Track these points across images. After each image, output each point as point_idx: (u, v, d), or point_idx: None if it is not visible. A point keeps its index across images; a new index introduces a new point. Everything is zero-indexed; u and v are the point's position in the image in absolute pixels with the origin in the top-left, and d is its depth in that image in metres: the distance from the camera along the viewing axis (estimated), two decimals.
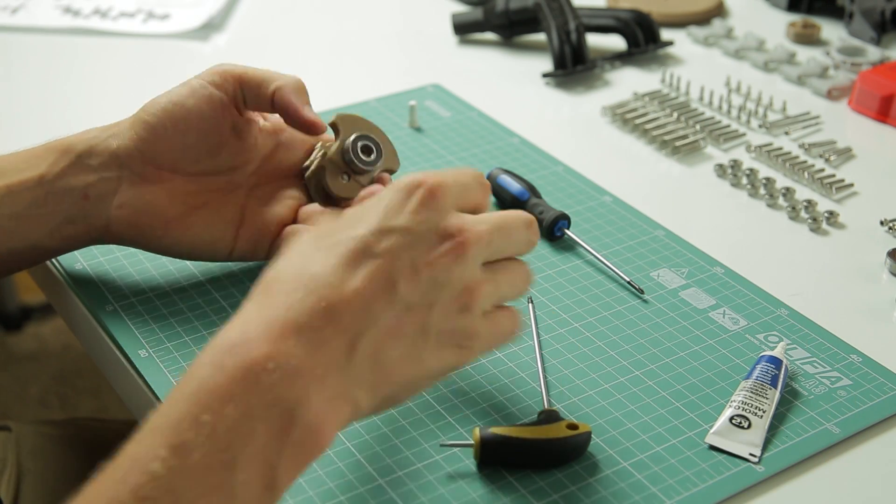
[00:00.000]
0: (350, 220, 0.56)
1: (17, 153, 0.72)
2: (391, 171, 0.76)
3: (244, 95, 0.73)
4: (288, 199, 0.75)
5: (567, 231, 0.81)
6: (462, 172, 0.58)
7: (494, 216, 0.57)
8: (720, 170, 0.93)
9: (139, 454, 0.48)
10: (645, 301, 0.76)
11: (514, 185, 0.84)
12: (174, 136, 0.71)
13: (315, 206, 0.74)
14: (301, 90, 0.73)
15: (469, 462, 0.62)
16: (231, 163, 0.74)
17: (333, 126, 0.75)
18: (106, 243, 0.74)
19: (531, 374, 0.69)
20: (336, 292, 0.52)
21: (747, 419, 0.64)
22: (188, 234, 0.73)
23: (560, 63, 1.08)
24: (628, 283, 0.77)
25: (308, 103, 0.73)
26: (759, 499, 0.61)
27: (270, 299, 0.52)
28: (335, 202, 0.74)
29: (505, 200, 0.85)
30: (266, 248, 0.74)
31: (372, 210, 0.55)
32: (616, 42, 1.15)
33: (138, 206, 0.71)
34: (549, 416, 0.63)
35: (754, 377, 0.67)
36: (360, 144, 0.74)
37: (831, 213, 0.86)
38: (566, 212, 0.82)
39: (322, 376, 0.51)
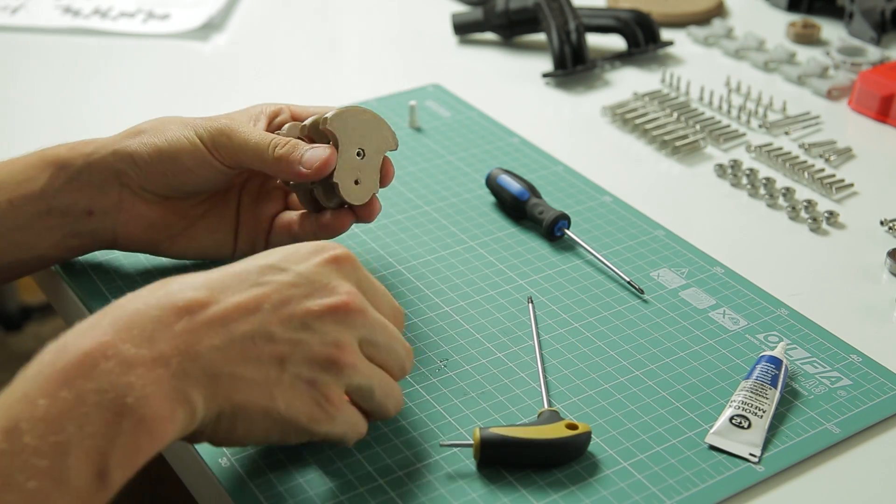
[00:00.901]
0: (261, 254, 0.58)
1: (10, 162, 0.72)
2: (390, 150, 0.74)
3: (239, 162, 0.72)
4: (274, 191, 0.77)
5: (567, 231, 0.81)
6: (385, 292, 0.61)
7: (387, 320, 0.59)
8: (720, 170, 0.93)
9: None
10: (645, 301, 0.76)
11: (514, 185, 0.84)
12: (166, 179, 0.72)
13: (292, 215, 0.75)
14: (297, 157, 0.70)
15: (469, 462, 0.62)
16: (222, 188, 0.75)
17: (330, 134, 0.71)
18: (115, 250, 0.75)
19: (531, 374, 0.69)
20: (197, 298, 0.53)
21: (747, 419, 0.64)
22: (193, 243, 0.75)
23: (560, 63, 1.08)
24: (628, 283, 0.77)
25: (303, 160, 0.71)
26: (759, 499, 0.61)
27: (136, 293, 0.54)
28: (317, 204, 0.73)
29: (505, 200, 0.85)
30: (263, 242, 0.76)
31: (281, 251, 0.58)
32: (616, 42, 1.15)
33: (143, 222, 0.73)
34: (549, 416, 0.63)
35: (754, 377, 0.67)
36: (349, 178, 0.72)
37: (831, 213, 0.86)
38: (566, 212, 0.82)
39: (160, 373, 0.51)
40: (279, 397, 0.55)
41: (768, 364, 0.67)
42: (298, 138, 0.72)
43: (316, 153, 0.70)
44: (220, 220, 0.75)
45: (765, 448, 0.63)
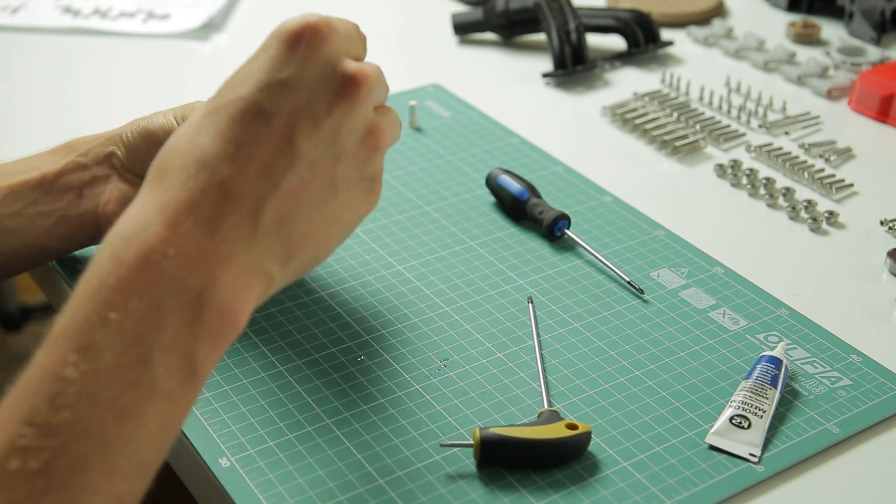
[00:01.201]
0: (236, 78, 0.52)
1: (31, 157, 0.74)
2: None
3: None
4: None
5: (567, 231, 0.81)
6: (342, 19, 0.55)
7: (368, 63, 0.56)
8: (720, 170, 0.92)
9: (49, 363, 0.45)
10: (645, 301, 0.76)
11: (514, 185, 0.84)
12: (145, 158, 0.71)
13: None
14: None
15: (469, 462, 0.62)
16: None
17: None
18: (98, 243, 0.74)
19: (531, 374, 0.69)
20: (228, 163, 0.49)
21: (747, 419, 0.64)
22: None
23: (560, 63, 1.08)
24: (628, 283, 0.77)
25: None
26: (759, 499, 0.61)
27: (164, 182, 0.50)
28: None
29: (505, 200, 0.85)
30: None
31: (257, 63, 0.52)
32: (616, 42, 1.15)
33: (123, 203, 0.72)
34: (549, 416, 0.63)
35: (754, 377, 0.67)
36: None
37: (831, 213, 0.86)
38: (566, 212, 0.82)
39: (227, 255, 0.48)
40: (341, 212, 0.54)
41: (768, 364, 0.67)
42: None
43: None
44: None
45: (765, 448, 0.63)
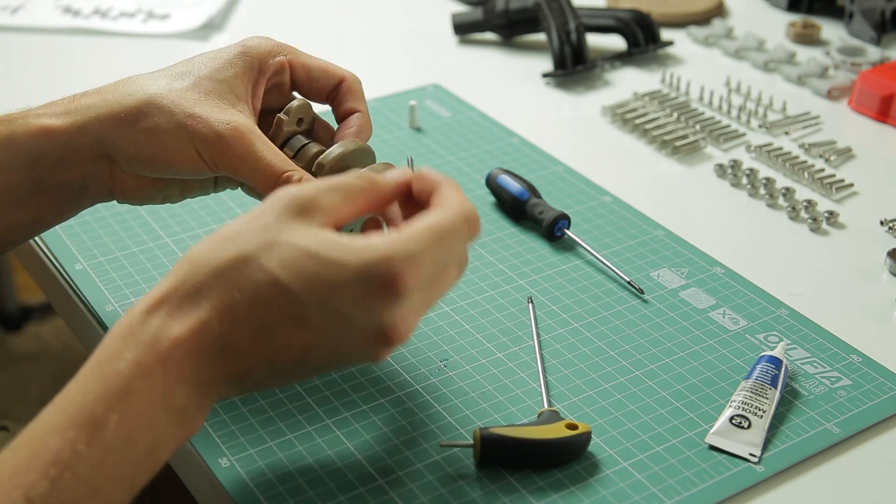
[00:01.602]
0: (311, 268, 0.52)
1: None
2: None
3: (238, 174, 0.68)
4: None
5: (567, 231, 0.81)
6: (441, 234, 0.54)
7: (437, 257, 0.54)
8: (720, 170, 0.92)
9: (61, 448, 0.49)
10: (645, 301, 0.76)
11: (514, 185, 0.84)
12: (153, 175, 0.69)
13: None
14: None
15: (469, 462, 0.62)
16: None
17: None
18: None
19: (531, 374, 0.69)
20: (251, 337, 0.52)
21: (747, 419, 0.64)
22: (188, 194, 0.73)
23: (560, 63, 1.08)
24: (628, 283, 0.77)
25: None
26: (759, 499, 0.61)
27: (199, 307, 0.52)
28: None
29: (505, 200, 0.85)
30: None
31: (334, 277, 0.52)
32: (616, 42, 1.15)
33: (135, 187, 0.69)
34: (549, 416, 0.63)
35: (754, 377, 0.67)
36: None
37: (831, 213, 0.86)
38: (566, 212, 0.82)
39: (212, 385, 0.53)
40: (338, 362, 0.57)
41: (768, 364, 0.67)
42: (299, 133, 0.70)
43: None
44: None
45: (765, 448, 0.63)
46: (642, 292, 0.76)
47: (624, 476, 0.61)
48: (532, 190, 0.84)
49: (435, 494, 0.60)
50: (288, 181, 0.64)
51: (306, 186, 0.56)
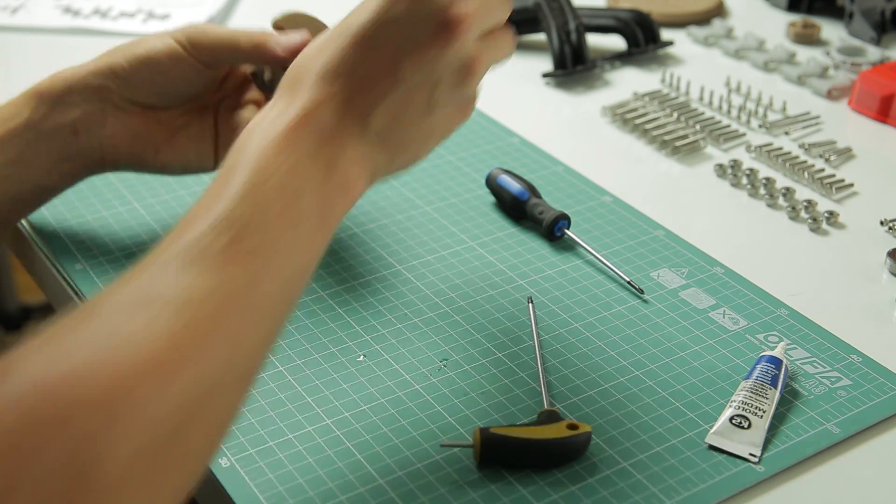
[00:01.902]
0: (357, 11, 0.61)
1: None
2: None
3: (217, 59, 0.76)
4: (250, 104, 0.80)
5: (567, 231, 0.81)
6: None
7: None
8: (720, 170, 0.93)
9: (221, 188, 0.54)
10: (645, 301, 0.76)
11: (514, 185, 0.84)
12: (149, 86, 0.76)
13: None
14: (274, 42, 0.75)
15: (469, 462, 0.62)
16: (202, 91, 0.79)
17: (277, 28, 0.77)
18: (105, 171, 0.78)
19: (531, 374, 0.69)
20: (346, 79, 0.59)
21: (747, 419, 0.64)
22: (177, 154, 0.79)
23: (560, 63, 1.08)
24: (628, 283, 0.77)
25: (282, 41, 0.75)
26: (759, 499, 0.61)
27: (297, 89, 0.59)
28: None
29: (505, 200, 0.85)
30: None
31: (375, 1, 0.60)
32: (616, 42, 1.15)
33: (128, 134, 0.76)
34: (549, 416, 0.63)
35: (754, 377, 0.67)
36: None
37: (831, 213, 0.86)
38: (566, 212, 0.82)
39: (346, 143, 0.58)
40: (436, 126, 0.62)
41: (768, 364, 0.67)
42: None
43: (291, 36, 0.75)
44: (200, 130, 0.79)
45: (765, 448, 0.63)
46: (642, 292, 0.76)
47: (624, 476, 0.61)
48: (532, 190, 0.84)
49: (435, 494, 0.60)
50: (251, 34, 0.75)
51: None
